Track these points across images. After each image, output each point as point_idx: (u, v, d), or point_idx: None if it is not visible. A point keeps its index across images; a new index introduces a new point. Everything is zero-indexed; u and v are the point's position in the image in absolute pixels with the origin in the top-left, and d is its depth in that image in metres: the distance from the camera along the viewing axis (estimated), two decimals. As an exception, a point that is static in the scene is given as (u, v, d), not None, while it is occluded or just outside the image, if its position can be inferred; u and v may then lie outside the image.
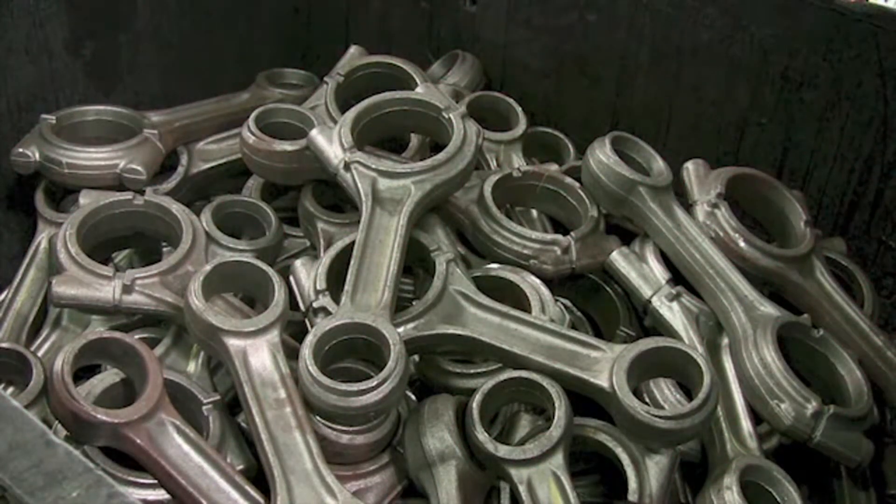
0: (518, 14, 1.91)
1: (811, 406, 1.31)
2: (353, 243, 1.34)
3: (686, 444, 1.33)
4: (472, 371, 1.34)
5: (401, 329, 1.27)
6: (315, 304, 1.31)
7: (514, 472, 1.20)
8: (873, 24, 1.51)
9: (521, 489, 1.19)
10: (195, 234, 1.41)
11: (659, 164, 1.56)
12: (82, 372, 1.25)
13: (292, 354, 1.26)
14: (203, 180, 1.69)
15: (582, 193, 1.57)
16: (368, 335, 1.23)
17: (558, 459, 1.20)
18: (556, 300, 1.43)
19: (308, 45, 2.08)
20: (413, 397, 1.36)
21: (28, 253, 1.57)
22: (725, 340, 1.44)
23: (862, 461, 1.36)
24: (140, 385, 1.22)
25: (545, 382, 1.24)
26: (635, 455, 1.25)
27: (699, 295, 1.47)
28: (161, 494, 1.18)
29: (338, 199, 1.56)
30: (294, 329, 1.36)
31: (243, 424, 1.30)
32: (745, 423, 1.37)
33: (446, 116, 1.46)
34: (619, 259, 1.50)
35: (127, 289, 1.33)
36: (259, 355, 1.25)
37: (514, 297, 1.41)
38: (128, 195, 1.45)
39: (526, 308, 1.38)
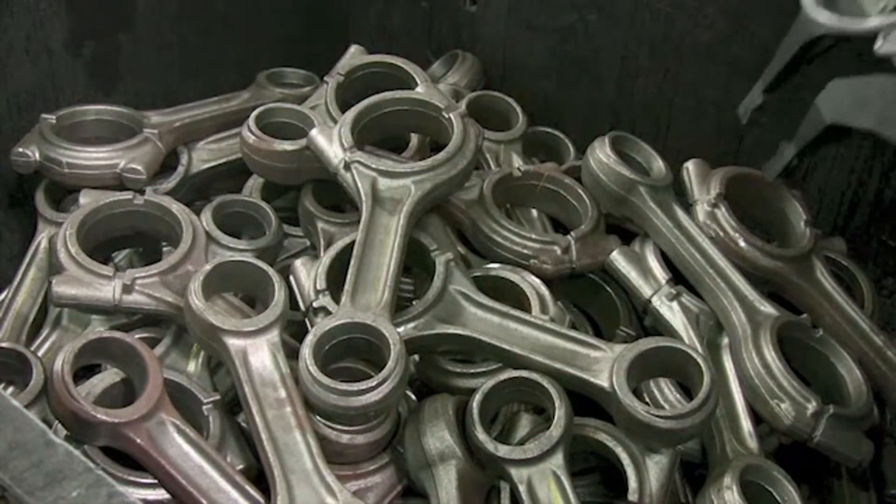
0: (518, 14, 1.91)
1: (811, 406, 1.31)
2: (353, 243, 1.34)
3: (686, 444, 1.33)
4: (472, 371, 1.34)
5: (401, 329, 1.27)
6: (315, 304, 1.31)
7: (514, 472, 1.20)
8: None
9: (521, 489, 1.19)
10: (195, 233, 1.41)
11: (659, 163, 1.56)
12: (82, 372, 1.25)
13: (292, 354, 1.26)
14: (203, 180, 1.69)
15: (582, 193, 1.57)
16: (368, 335, 1.23)
17: (558, 459, 1.20)
18: (556, 300, 1.43)
19: (308, 45, 2.08)
20: (413, 397, 1.36)
21: (28, 253, 1.57)
22: (725, 340, 1.44)
23: (862, 461, 1.36)
24: (140, 385, 1.22)
25: (545, 382, 1.24)
26: (635, 455, 1.25)
27: (699, 295, 1.47)
28: (161, 494, 1.18)
29: (338, 199, 1.56)
30: (294, 329, 1.36)
31: (243, 424, 1.30)
32: (745, 423, 1.37)
33: (446, 116, 1.46)
34: (619, 258, 1.50)
35: (127, 288, 1.33)
36: (259, 355, 1.25)
37: (514, 297, 1.41)
38: (128, 195, 1.45)
39: (526, 308, 1.38)
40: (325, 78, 1.61)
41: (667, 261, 1.50)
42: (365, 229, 1.34)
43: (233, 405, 1.33)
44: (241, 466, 1.25)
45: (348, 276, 1.29)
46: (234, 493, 1.17)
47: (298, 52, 2.00)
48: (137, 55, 1.81)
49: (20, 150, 1.57)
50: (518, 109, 1.81)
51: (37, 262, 1.56)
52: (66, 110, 1.64)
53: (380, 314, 1.25)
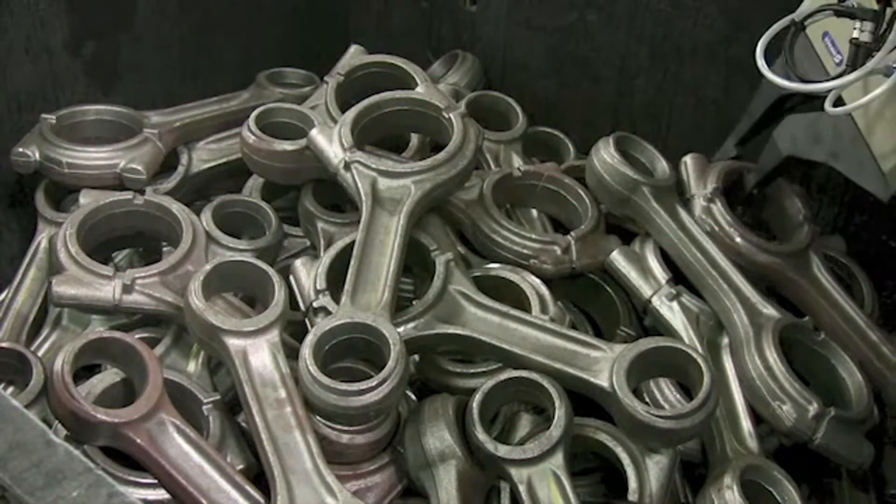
0: (518, 14, 1.91)
1: (812, 408, 1.31)
2: (353, 243, 1.34)
3: (686, 444, 1.33)
4: (472, 371, 1.34)
5: (401, 329, 1.27)
6: (315, 304, 1.31)
7: (514, 472, 1.20)
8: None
9: (521, 489, 1.19)
10: (195, 233, 1.41)
11: (662, 164, 1.56)
12: (82, 372, 1.25)
13: (292, 354, 1.26)
14: (203, 180, 1.69)
15: (582, 193, 1.57)
16: (368, 335, 1.23)
17: (558, 459, 1.20)
18: (556, 300, 1.43)
19: (308, 45, 2.08)
20: (413, 397, 1.36)
21: (28, 253, 1.57)
22: (725, 340, 1.44)
23: (863, 463, 1.36)
24: (140, 385, 1.22)
25: (545, 382, 1.24)
26: (635, 455, 1.25)
27: (700, 295, 1.47)
28: (161, 494, 1.18)
29: (338, 199, 1.56)
30: (294, 329, 1.35)
31: (243, 424, 1.30)
32: (746, 423, 1.37)
33: (446, 116, 1.46)
34: (619, 258, 1.50)
35: (127, 288, 1.33)
36: (259, 355, 1.25)
37: (514, 297, 1.41)
38: (128, 195, 1.45)
39: (526, 308, 1.38)
40: (325, 78, 1.61)
41: (667, 261, 1.50)
42: (365, 229, 1.34)
43: (233, 405, 1.33)
44: (241, 466, 1.25)
45: (348, 276, 1.29)
46: (234, 493, 1.17)
47: (298, 52, 2.00)
48: (137, 55, 1.81)
49: (20, 150, 1.57)
50: (518, 109, 1.81)
51: (37, 262, 1.55)
52: (66, 110, 1.64)
53: (380, 314, 1.25)
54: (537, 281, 1.44)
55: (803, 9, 1.35)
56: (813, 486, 1.45)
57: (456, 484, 1.22)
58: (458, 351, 1.36)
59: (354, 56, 1.74)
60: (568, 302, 1.54)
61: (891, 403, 1.48)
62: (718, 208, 1.49)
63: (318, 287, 1.32)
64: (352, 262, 1.31)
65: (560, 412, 1.22)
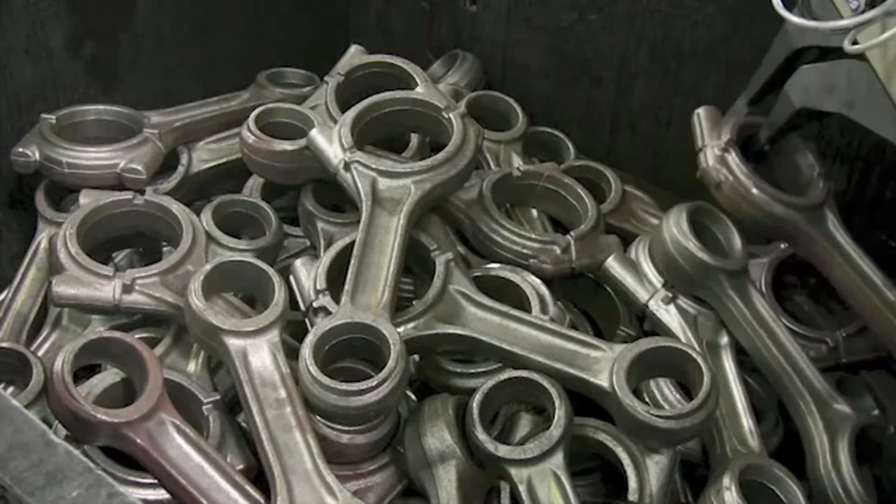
0: (518, 14, 1.91)
1: None
2: (352, 243, 1.34)
3: (686, 444, 1.33)
4: (472, 371, 1.34)
5: (401, 329, 1.27)
6: (315, 304, 1.31)
7: (514, 472, 1.20)
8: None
9: (521, 489, 1.19)
10: (195, 233, 1.41)
11: (737, 241, 1.46)
12: (82, 372, 1.25)
13: (292, 354, 1.26)
14: (203, 180, 1.69)
15: (581, 192, 1.57)
16: (368, 335, 1.23)
17: (558, 459, 1.20)
18: (556, 300, 1.43)
19: (308, 45, 2.08)
20: (413, 397, 1.36)
21: (28, 253, 1.57)
22: (725, 340, 1.44)
23: None
24: (140, 385, 1.22)
25: (545, 382, 1.24)
26: (635, 455, 1.25)
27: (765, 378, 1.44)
28: (161, 494, 1.18)
29: (338, 199, 1.56)
30: (294, 329, 1.35)
31: (243, 424, 1.30)
32: (746, 422, 1.37)
33: (446, 116, 1.46)
34: (614, 265, 1.49)
35: (127, 288, 1.33)
36: (259, 355, 1.25)
37: (514, 297, 1.41)
38: (128, 195, 1.45)
39: (526, 308, 1.38)
40: (325, 78, 1.61)
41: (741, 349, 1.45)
42: (365, 229, 1.34)
43: (233, 405, 1.33)
44: (241, 466, 1.25)
45: (348, 276, 1.29)
46: (234, 493, 1.17)
47: (298, 52, 2.00)
48: (137, 55, 1.81)
49: (20, 150, 1.57)
50: (518, 109, 1.81)
51: (37, 262, 1.56)
52: (66, 110, 1.64)
53: (380, 314, 1.25)
54: (537, 281, 1.44)
55: None
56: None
57: (456, 484, 1.22)
58: (458, 351, 1.36)
59: (354, 56, 1.74)
60: (568, 302, 1.54)
61: None
62: (733, 158, 1.42)
63: (318, 287, 1.32)
64: (352, 262, 1.31)
65: (560, 412, 1.22)
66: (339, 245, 1.39)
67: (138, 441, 1.16)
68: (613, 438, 1.26)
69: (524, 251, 1.48)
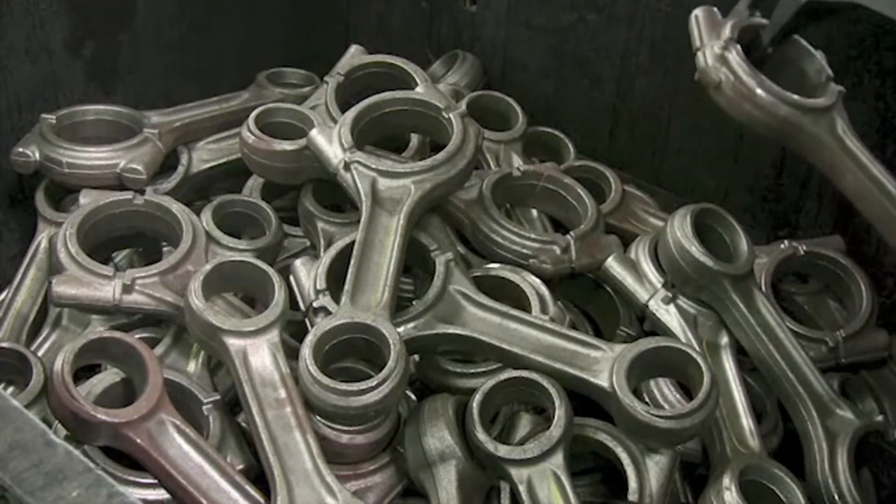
0: (518, 14, 1.91)
1: None
2: (352, 243, 1.34)
3: (686, 444, 1.33)
4: (472, 371, 1.34)
5: (401, 329, 1.27)
6: (315, 304, 1.31)
7: (514, 472, 1.20)
8: (873, 23, 1.51)
9: (521, 489, 1.19)
10: (195, 233, 1.41)
11: (743, 244, 1.44)
12: (82, 372, 1.25)
13: (292, 354, 1.26)
14: (203, 180, 1.69)
15: (581, 192, 1.57)
16: (368, 335, 1.23)
17: (558, 459, 1.20)
18: (556, 300, 1.43)
19: (308, 45, 2.08)
20: (413, 397, 1.36)
21: (28, 253, 1.57)
22: (725, 340, 1.44)
23: None
24: (140, 385, 1.22)
25: (545, 382, 1.24)
26: (635, 455, 1.25)
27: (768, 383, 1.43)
28: (161, 494, 1.18)
29: (338, 199, 1.56)
30: (294, 329, 1.36)
31: (243, 424, 1.30)
32: (746, 422, 1.37)
33: (446, 116, 1.46)
34: (613, 265, 1.49)
35: (127, 288, 1.33)
36: (259, 355, 1.25)
37: (514, 297, 1.41)
38: (128, 195, 1.45)
39: (526, 308, 1.38)
40: (325, 78, 1.61)
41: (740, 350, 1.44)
42: (365, 229, 1.34)
43: (233, 405, 1.33)
44: (241, 466, 1.25)
45: (348, 276, 1.29)
46: (234, 493, 1.17)
47: (298, 52, 2.01)
48: (137, 55, 1.81)
49: (20, 149, 1.57)
50: (518, 109, 1.81)
51: (37, 262, 1.55)
52: (66, 110, 1.64)
53: (380, 314, 1.25)
54: (537, 281, 1.44)
55: None
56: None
57: (456, 484, 1.22)
58: (458, 351, 1.36)
59: (354, 56, 1.74)
60: (568, 302, 1.54)
61: None
62: (734, 56, 1.34)
63: (318, 287, 1.32)
64: (352, 262, 1.31)
65: (560, 412, 1.22)
66: (339, 245, 1.39)
67: (138, 441, 1.16)
68: (613, 438, 1.26)
69: (524, 251, 1.48)
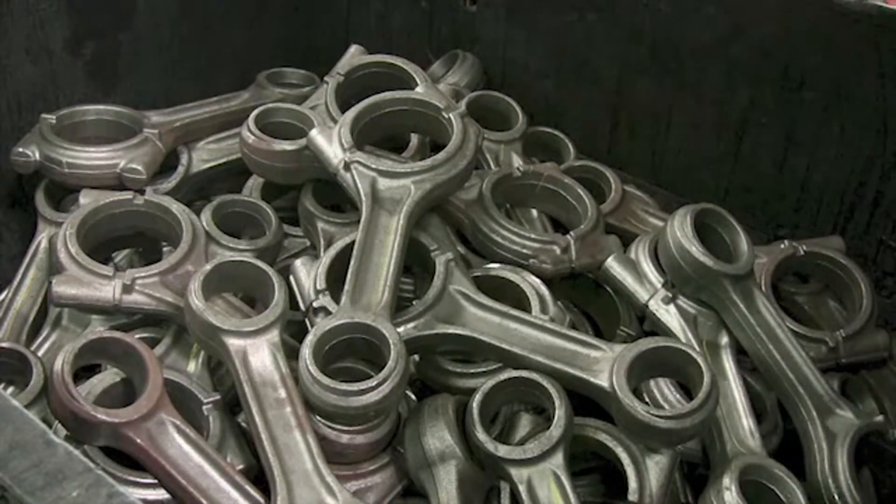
0: (518, 14, 1.91)
1: None
2: (352, 243, 1.34)
3: (686, 444, 1.33)
4: (472, 371, 1.34)
5: (401, 329, 1.27)
6: (315, 304, 1.31)
7: (514, 472, 1.20)
8: (873, 23, 1.51)
9: (521, 489, 1.19)
10: (195, 233, 1.41)
11: (744, 244, 1.44)
12: (82, 372, 1.25)
13: (292, 354, 1.26)
14: (203, 180, 1.69)
15: (581, 192, 1.57)
16: (368, 335, 1.23)
17: (558, 459, 1.20)
18: (556, 300, 1.43)
19: (308, 45, 2.08)
20: (413, 397, 1.36)
21: (28, 253, 1.57)
22: (725, 340, 1.44)
23: None
24: (140, 385, 1.22)
25: (545, 382, 1.24)
26: (635, 455, 1.25)
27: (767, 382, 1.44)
28: (161, 494, 1.18)
29: (338, 199, 1.56)
30: (294, 329, 1.36)
31: (243, 424, 1.30)
32: (746, 422, 1.37)
33: (446, 116, 1.46)
34: (614, 265, 1.49)
35: (127, 288, 1.33)
36: (259, 355, 1.25)
37: (514, 297, 1.41)
38: (128, 195, 1.45)
39: (526, 308, 1.38)
40: (325, 78, 1.61)
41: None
42: (365, 229, 1.34)
43: (233, 405, 1.33)
44: (241, 466, 1.25)
45: (348, 276, 1.29)
46: (234, 493, 1.17)
47: (298, 52, 2.01)
48: (137, 55, 1.81)
49: (20, 149, 1.57)
50: (518, 109, 1.81)
51: (37, 262, 1.56)
52: (66, 110, 1.64)
53: (380, 314, 1.25)
54: (537, 281, 1.44)
55: None
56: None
57: (456, 484, 1.22)
58: (458, 351, 1.36)
59: (354, 56, 1.74)
60: (568, 302, 1.54)
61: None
62: None
63: (318, 287, 1.32)
64: (352, 263, 1.31)
65: (560, 412, 1.22)
66: (339, 245, 1.39)
67: (138, 441, 1.16)
68: (613, 438, 1.26)
69: (524, 251, 1.48)
